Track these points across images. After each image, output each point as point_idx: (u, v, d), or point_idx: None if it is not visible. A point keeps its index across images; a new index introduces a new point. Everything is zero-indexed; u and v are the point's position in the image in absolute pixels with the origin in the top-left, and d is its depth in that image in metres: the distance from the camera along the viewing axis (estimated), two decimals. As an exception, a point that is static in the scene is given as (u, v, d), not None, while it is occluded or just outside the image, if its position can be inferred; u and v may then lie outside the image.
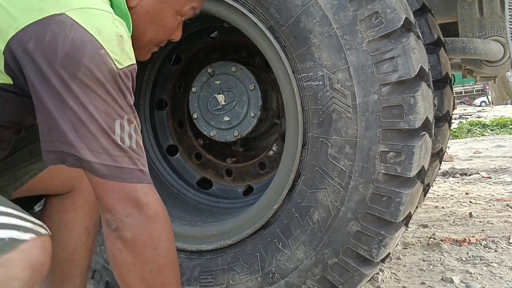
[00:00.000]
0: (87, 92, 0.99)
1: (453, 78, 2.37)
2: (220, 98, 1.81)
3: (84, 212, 1.51)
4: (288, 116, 1.50)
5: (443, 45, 1.92)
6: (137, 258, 1.04)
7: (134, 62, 1.10)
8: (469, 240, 2.47)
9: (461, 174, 4.98)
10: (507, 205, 3.34)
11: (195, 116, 1.86)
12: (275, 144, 1.91)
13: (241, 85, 1.79)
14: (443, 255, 2.30)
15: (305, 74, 1.42)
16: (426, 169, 1.46)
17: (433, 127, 1.50)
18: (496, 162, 5.70)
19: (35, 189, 1.49)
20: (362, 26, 1.34)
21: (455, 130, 10.66)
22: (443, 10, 2.16)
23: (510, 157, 6.09)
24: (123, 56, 1.05)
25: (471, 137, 9.72)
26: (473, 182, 4.51)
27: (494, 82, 2.94)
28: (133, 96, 1.09)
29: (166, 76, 2.04)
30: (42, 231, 1.03)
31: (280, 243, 1.52)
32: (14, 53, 1.00)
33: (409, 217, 1.48)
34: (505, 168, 5.11)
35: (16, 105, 1.11)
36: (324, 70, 1.38)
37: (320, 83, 1.40)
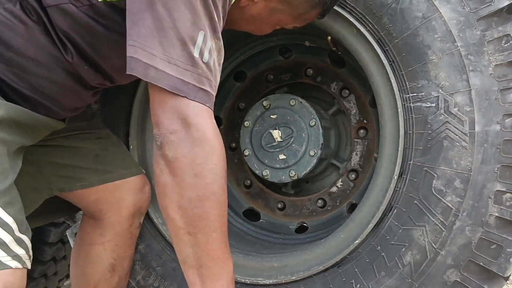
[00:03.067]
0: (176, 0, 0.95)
1: None
2: (276, 134, 1.64)
3: (112, 247, 1.43)
4: (385, 139, 1.33)
5: None
6: (176, 182, 0.94)
7: None
8: None
9: None
10: None
11: (246, 153, 1.69)
12: (340, 180, 1.72)
13: (300, 120, 1.62)
14: None
15: (415, 94, 1.26)
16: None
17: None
18: None
19: (71, 198, 1.44)
20: (490, 48, 1.20)
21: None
22: None
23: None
24: None
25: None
26: None
27: None
28: (221, 20, 1.04)
29: (227, 92, 1.89)
30: (27, 264, 0.98)
31: (358, 285, 1.30)
32: None
33: (512, 274, 1.28)
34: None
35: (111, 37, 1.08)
36: (440, 91, 1.23)
37: (433, 105, 1.24)
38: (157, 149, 0.96)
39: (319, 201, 1.74)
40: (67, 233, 1.65)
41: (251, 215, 1.83)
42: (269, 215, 1.81)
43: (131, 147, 1.61)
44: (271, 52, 1.81)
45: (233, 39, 1.72)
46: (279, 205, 1.80)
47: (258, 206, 1.84)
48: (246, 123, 1.67)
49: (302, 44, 1.72)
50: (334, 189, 1.73)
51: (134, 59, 0.94)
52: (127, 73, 0.96)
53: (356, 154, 1.71)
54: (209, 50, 0.97)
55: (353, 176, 1.69)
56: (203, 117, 0.96)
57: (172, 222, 0.96)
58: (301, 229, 1.77)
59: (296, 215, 1.79)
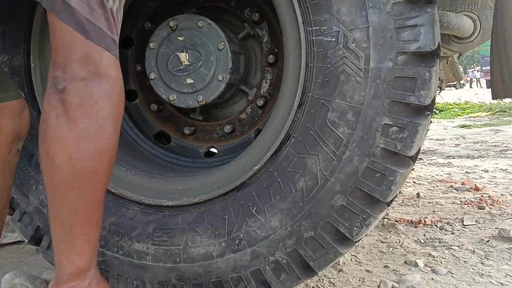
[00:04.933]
0: None
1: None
2: (183, 57, 1.62)
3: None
4: (287, 72, 1.36)
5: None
6: (73, 132, 0.89)
7: None
8: (424, 221, 2.50)
9: None
10: (451, 186, 3.46)
11: (152, 76, 1.64)
12: (249, 107, 1.76)
13: (208, 43, 1.59)
14: (400, 237, 2.30)
15: (317, 28, 1.29)
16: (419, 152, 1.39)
17: (433, 111, 1.44)
18: (423, 144, 6.01)
19: None
20: (390, -14, 1.23)
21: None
22: None
23: (436, 139, 6.44)
24: None
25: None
26: (408, 163, 4.76)
27: (447, 63, 2.96)
28: None
29: (139, 11, 1.82)
30: None
31: (254, 208, 1.38)
32: None
33: (393, 199, 1.41)
34: (433, 150, 5.37)
35: None
36: (341, 26, 1.26)
37: (333, 39, 1.27)
38: (55, 92, 0.90)
39: (229, 126, 1.78)
40: None
41: (162, 138, 1.84)
42: (179, 139, 1.84)
43: (33, 65, 1.54)
44: (185, -29, 1.75)
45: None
46: (190, 129, 1.82)
47: (169, 129, 1.85)
48: (151, 45, 1.62)
49: (217, -35, 1.67)
50: (243, 115, 1.77)
51: None
52: None
53: (266, 82, 1.74)
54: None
55: (262, 103, 1.73)
56: (114, 70, 0.93)
57: (57, 172, 0.90)
58: (210, 153, 1.81)
59: (206, 139, 1.82)
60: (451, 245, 2.13)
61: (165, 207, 1.47)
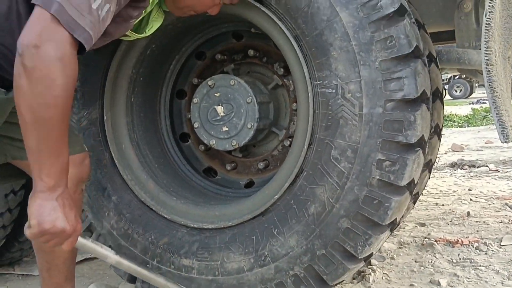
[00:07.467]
0: None
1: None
2: (219, 109, 1.96)
3: None
4: (300, 117, 1.67)
5: (435, 60, 2.09)
6: (30, 88, 1.17)
7: None
8: (462, 241, 2.60)
9: (469, 166, 5.05)
10: (506, 204, 3.47)
11: (196, 125, 1.98)
12: (280, 145, 2.07)
13: (239, 98, 1.91)
14: (435, 256, 2.43)
15: (321, 82, 1.59)
16: (416, 182, 1.63)
17: (427, 145, 1.67)
18: (507, 153, 5.71)
19: (23, 166, 1.68)
20: (377, 47, 1.51)
21: (469, 117, 10.65)
22: (441, 19, 2.19)
23: (531, 146, 6.16)
24: None
25: (485, 124, 9.65)
26: (479, 176, 4.59)
27: None
28: None
29: (190, 69, 2.21)
30: None
31: (276, 230, 1.67)
32: None
33: (394, 223, 1.64)
34: (518, 159, 5.19)
35: None
36: (338, 80, 1.55)
37: (333, 91, 1.57)
38: (18, 56, 1.17)
39: (264, 162, 2.09)
40: None
41: (210, 173, 2.19)
42: (224, 173, 2.18)
43: (105, 117, 1.96)
44: (226, 36, 2.12)
45: (193, 24, 2.03)
46: (231, 165, 2.15)
47: (215, 165, 2.20)
48: (195, 100, 1.98)
49: (249, 31, 2.02)
50: (275, 152, 2.08)
51: None
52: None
53: (293, 123, 2.04)
54: (106, 7, 1.23)
55: (289, 142, 2.03)
56: (70, 48, 1.17)
57: (23, 117, 1.20)
58: (249, 184, 2.13)
59: (246, 173, 2.15)
60: (479, 265, 2.25)
61: (206, 229, 1.80)
